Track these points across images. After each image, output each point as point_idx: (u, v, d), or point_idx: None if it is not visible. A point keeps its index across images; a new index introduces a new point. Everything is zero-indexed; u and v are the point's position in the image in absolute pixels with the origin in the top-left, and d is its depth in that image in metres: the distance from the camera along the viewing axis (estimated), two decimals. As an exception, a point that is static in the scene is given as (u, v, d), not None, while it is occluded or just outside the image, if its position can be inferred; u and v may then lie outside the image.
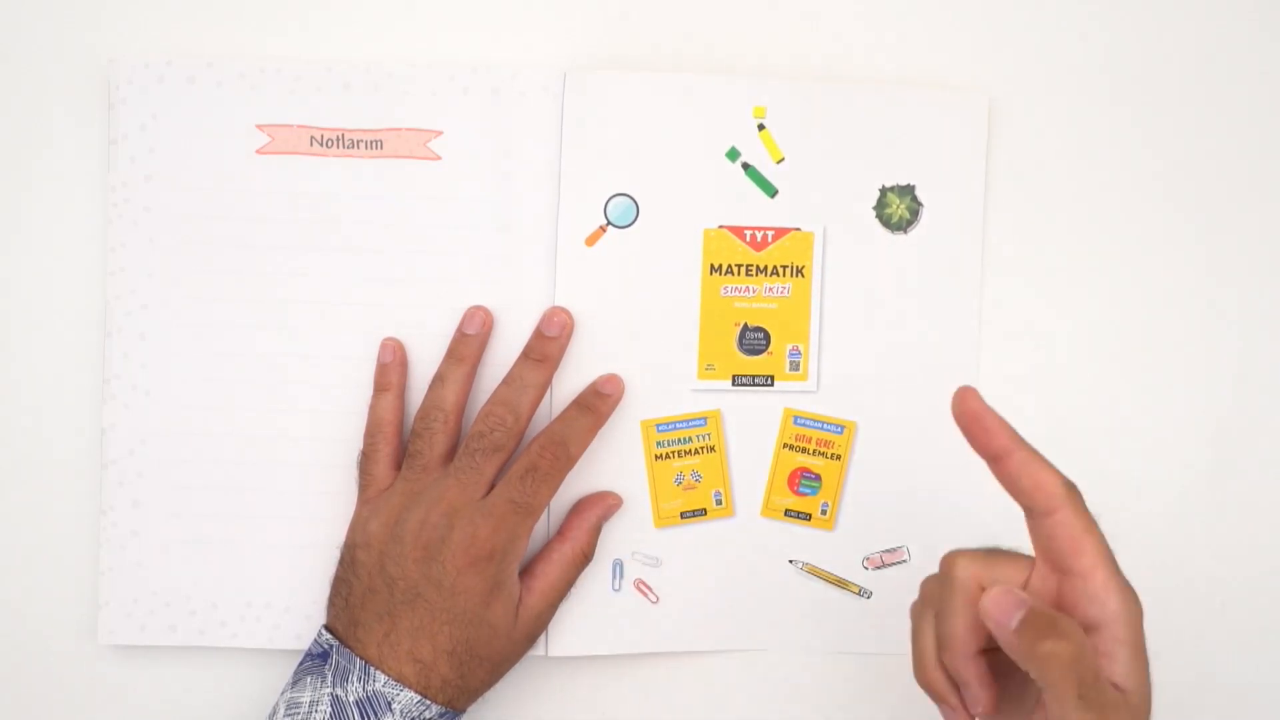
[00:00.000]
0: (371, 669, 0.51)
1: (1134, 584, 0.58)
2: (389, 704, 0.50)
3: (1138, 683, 0.41)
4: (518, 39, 0.58)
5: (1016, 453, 0.43)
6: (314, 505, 0.58)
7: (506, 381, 0.56)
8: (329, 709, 0.51)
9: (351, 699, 0.51)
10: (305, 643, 0.56)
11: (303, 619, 0.58)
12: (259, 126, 0.57)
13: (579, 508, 0.58)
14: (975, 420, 0.43)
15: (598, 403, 0.56)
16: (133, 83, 0.57)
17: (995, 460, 0.43)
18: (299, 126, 0.57)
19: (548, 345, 0.56)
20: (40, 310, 0.58)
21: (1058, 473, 0.43)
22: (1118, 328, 0.59)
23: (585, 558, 0.57)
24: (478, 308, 0.57)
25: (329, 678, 0.52)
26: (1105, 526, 0.58)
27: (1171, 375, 0.59)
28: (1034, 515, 0.43)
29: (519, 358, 0.57)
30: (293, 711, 0.51)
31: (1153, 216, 0.59)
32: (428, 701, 0.51)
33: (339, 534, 0.57)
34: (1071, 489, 0.43)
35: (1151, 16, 0.59)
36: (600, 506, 0.57)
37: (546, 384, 0.57)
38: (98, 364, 0.58)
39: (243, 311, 0.58)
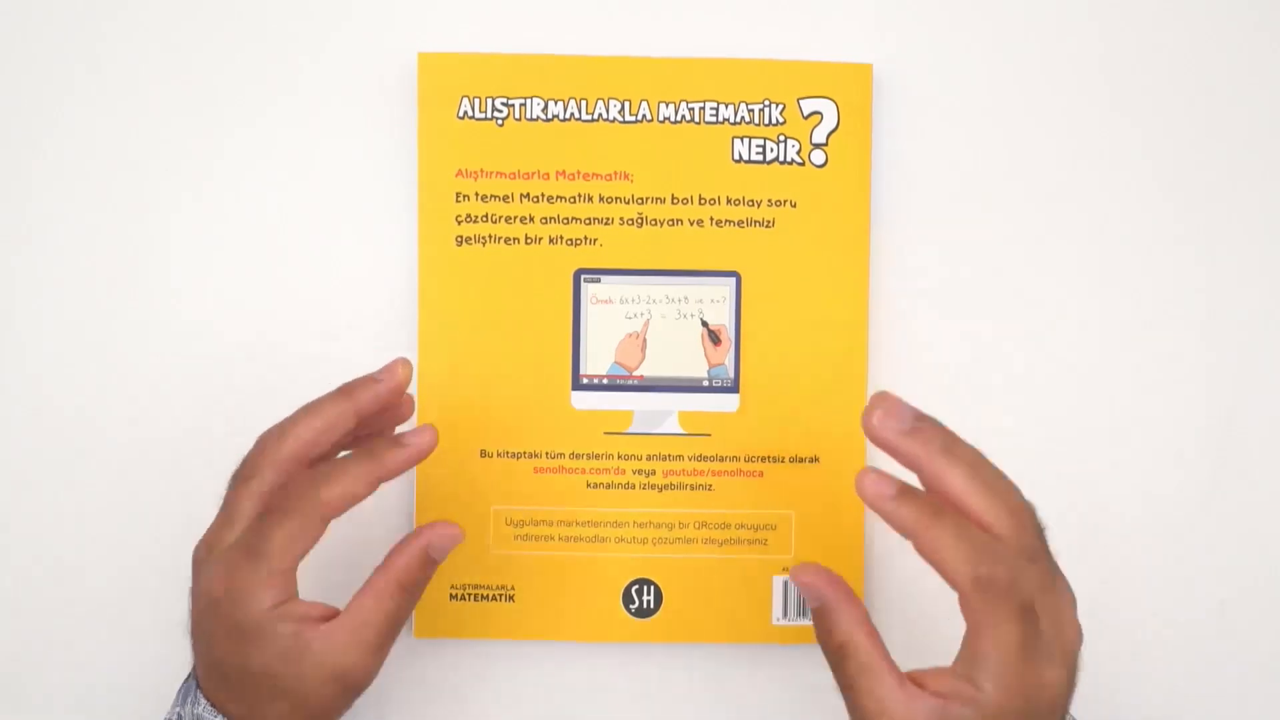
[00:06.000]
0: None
1: (1134, 583, 0.58)
2: None
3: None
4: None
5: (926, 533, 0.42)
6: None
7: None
8: None
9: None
10: None
11: None
12: None
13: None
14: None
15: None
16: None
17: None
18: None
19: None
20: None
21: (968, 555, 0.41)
22: (1117, 326, 0.59)
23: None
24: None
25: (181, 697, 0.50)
26: (1105, 526, 0.58)
27: (1171, 375, 0.59)
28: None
29: None
30: None
31: (1150, 213, 0.59)
32: None
33: None
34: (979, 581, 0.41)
35: (1146, 19, 0.59)
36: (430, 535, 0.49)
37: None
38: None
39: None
